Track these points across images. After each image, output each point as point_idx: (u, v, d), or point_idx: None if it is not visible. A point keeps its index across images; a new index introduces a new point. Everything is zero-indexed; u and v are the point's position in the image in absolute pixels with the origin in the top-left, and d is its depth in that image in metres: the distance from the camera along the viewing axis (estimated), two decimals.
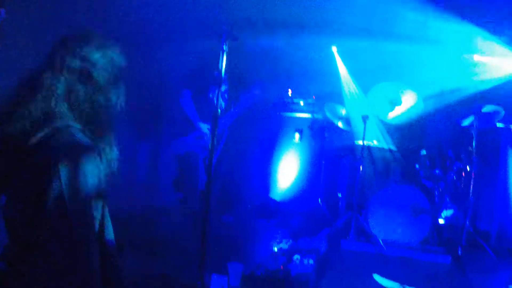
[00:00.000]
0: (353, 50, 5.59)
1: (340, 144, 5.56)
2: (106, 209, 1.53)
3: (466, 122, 4.42)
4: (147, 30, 4.34)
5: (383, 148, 5.04)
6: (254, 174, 5.89)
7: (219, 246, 3.54)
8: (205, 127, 4.33)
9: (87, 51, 1.53)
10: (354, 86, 5.87)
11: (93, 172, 1.40)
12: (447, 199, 4.82)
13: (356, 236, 4.51)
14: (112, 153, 1.57)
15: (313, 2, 4.82)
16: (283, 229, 4.95)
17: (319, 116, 5.82)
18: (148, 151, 5.66)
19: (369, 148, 4.97)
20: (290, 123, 6.06)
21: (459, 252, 4.10)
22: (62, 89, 1.46)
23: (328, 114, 5.19)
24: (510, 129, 4.96)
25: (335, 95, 5.80)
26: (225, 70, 2.82)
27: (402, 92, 4.72)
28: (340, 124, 5.15)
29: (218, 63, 2.80)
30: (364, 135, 4.62)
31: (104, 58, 1.55)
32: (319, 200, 5.61)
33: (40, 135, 1.37)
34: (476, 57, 5.09)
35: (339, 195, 5.43)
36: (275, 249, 3.86)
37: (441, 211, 4.81)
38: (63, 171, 1.32)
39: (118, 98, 1.60)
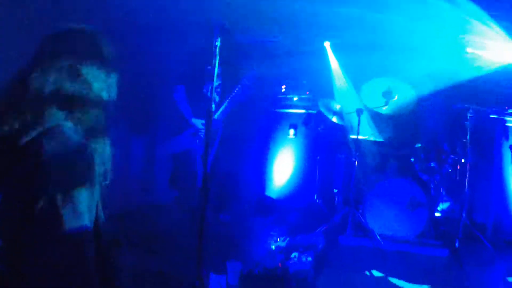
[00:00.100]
0: (346, 45, 5.56)
1: (335, 139, 5.54)
2: (100, 207, 1.52)
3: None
4: (141, 26, 4.30)
5: (378, 142, 5.03)
6: (249, 171, 5.86)
7: (217, 244, 3.52)
8: (199, 123, 4.30)
9: (75, 47, 1.50)
10: (345, 81, 5.85)
11: (86, 171, 1.39)
12: (443, 192, 4.83)
13: (354, 231, 4.50)
14: (106, 150, 1.54)
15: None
16: (280, 226, 4.94)
17: (313, 111, 5.80)
18: (143, 147, 5.60)
19: (364, 142, 4.96)
20: (284, 119, 6.04)
21: (456, 245, 4.11)
22: (51, 88, 1.43)
23: (323, 109, 5.17)
24: (504, 120, 4.98)
25: (329, 91, 5.78)
26: (218, 64, 2.79)
27: (394, 85, 4.71)
28: (334, 119, 5.13)
29: (211, 58, 2.77)
30: (358, 129, 4.61)
31: (92, 54, 1.52)
32: (315, 196, 5.59)
33: (31, 135, 1.36)
34: (472, 43, 5.04)
35: (335, 190, 5.42)
36: (273, 247, 3.85)
37: (437, 204, 4.82)
38: (55, 171, 1.31)
39: (109, 94, 1.56)
